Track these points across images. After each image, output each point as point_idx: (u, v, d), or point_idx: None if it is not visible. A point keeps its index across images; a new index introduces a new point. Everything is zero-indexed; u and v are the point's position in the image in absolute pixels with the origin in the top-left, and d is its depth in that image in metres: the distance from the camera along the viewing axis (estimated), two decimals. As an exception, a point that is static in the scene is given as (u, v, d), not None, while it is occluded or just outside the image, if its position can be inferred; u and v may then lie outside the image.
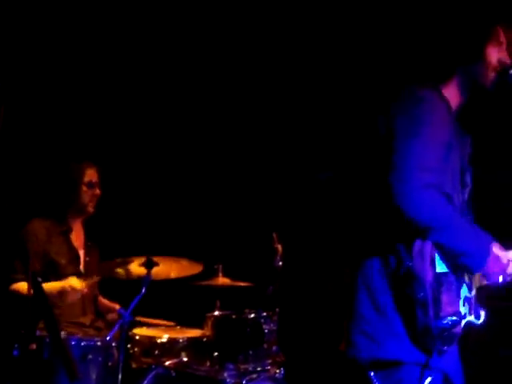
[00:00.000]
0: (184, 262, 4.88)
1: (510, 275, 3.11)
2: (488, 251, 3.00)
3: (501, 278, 3.08)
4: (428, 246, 2.91)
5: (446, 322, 2.91)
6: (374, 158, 3.06)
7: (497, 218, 4.89)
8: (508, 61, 3.14)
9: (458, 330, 2.98)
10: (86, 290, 4.71)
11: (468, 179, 3.21)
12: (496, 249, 3.03)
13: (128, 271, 4.78)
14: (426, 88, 3.08)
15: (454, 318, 2.94)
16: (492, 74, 3.12)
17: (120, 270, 4.80)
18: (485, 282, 3.15)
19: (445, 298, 2.93)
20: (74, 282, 4.67)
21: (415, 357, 2.94)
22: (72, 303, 4.82)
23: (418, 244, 2.91)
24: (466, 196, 3.22)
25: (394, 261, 2.95)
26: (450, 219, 2.92)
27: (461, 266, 2.99)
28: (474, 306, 3.09)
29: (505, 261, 3.04)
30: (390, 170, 2.88)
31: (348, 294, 3.08)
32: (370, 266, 3.02)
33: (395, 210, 2.87)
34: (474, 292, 3.09)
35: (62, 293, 4.62)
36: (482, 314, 3.11)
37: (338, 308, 3.17)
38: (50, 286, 4.61)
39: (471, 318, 3.06)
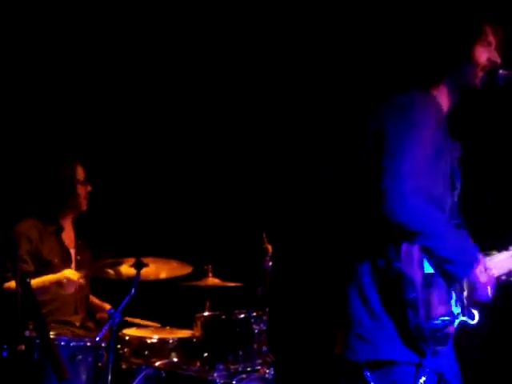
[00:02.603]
0: (174, 264, 4.88)
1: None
2: (472, 262, 3.00)
3: (489, 290, 3.08)
4: (415, 248, 2.91)
5: (437, 322, 2.91)
6: (364, 162, 3.05)
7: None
8: (498, 60, 3.14)
9: (450, 330, 2.98)
10: (82, 281, 4.72)
11: (458, 183, 3.21)
12: (483, 260, 3.04)
13: (118, 272, 4.78)
14: (417, 91, 3.08)
15: (447, 318, 2.94)
16: (481, 74, 3.12)
17: (110, 270, 4.79)
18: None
19: (436, 298, 2.93)
20: (69, 273, 4.68)
21: (409, 357, 2.93)
22: (65, 301, 4.83)
23: (405, 246, 2.91)
24: (456, 199, 3.22)
25: (382, 263, 2.95)
26: (438, 226, 2.93)
27: (446, 272, 2.98)
28: (467, 306, 3.08)
29: (491, 272, 3.06)
30: (382, 175, 2.88)
31: (340, 298, 3.07)
32: (359, 270, 3.01)
33: (384, 214, 2.87)
34: (466, 292, 3.09)
35: (59, 284, 4.63)
36: (476, 314, 3.10)
37: (327, 309, 3.17)
38: (45, 279, 4.62)
39: (465, 318, 3.06)
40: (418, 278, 2.90)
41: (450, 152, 3.12)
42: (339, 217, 3.24)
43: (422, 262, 2.93)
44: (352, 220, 3.13)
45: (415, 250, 2.91)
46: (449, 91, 3.16)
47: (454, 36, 3.12)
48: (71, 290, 4.69)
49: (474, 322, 3.08)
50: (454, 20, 3.16)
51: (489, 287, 3.08)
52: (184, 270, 4.92)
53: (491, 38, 3.13)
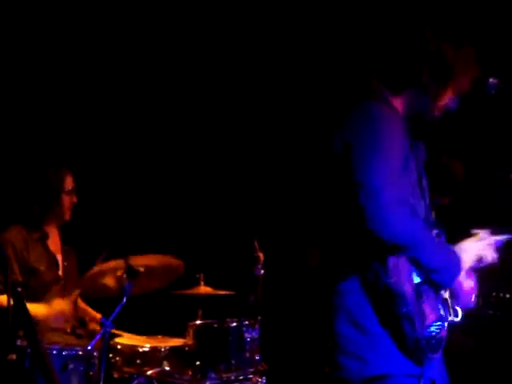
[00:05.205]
0: (165, 260, 4.82)
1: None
2: (457, 270, 3.01)
3: (473, 297, 3.10)
4: (403, 260, 2.89)
5: (431, 329, 2.91)
6: (336, 177, 3.00)
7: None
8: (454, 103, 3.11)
9: (443, 334, 2.97)
10: (71, 311, 4.72)
11: (425, 184, 3.16)
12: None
13: (108, 285, 4.73)
14: (374, 101, 3.03)
15: (439, 323, 2.94)
16: (437, 112, 3.11)
17: (101, 282, 4.74)
18: None
19: (427, 307, 2.92)
20: (59, 305, 4.67)
21: (405, 369, 2.91)
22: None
23: (392, 259, 2.87)
24: (428, 200, 3.19)
25: (371, 279, 2.91)
26: (420, 237, 2.91)
27: (433, 282, 2.97)
28: (451, 304, 3.07)
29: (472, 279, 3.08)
30: (356, 191, 2.84)
31: (324, 316, 3.03)
32: (346, 287, 2.97)
33: (367, 230, 2.83)
34: (448, 292, 3.07)
35: (48, 318, 4.63)
36: (459, 310, 3.08)
37: (316, 320, 3.14)
38: (36, 311, 4.60)
39: (451, 317, 3.05)
40: (409, 291, 2.88)
41: (415, 156, 3.09)
42: (317, 233, 3.20)
43: (411, 273, 2.91)
44: (330, 236, 3.08)
45: (402, 263, 2.88)
46: (403, 106, 3.09)
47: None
48: (60, 322, 4.70)
49: (459, 319, 3.08)
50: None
51: (473, 295, 3.10)
52: (175, 266, 4.87)
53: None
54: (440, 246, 3.02)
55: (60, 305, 4.70)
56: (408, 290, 2.88)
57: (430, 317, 2.92)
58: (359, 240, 2.91)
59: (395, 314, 2.88)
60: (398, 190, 2.84)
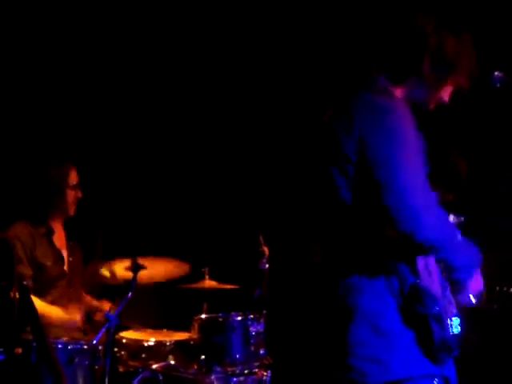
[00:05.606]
0: (170, 265, 4.87)
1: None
2: (478, 266, 2.97)
3: (472, 299, 3.05)
4: (432, 260, 2.85)
5: (454, 327, 2.87)
6: (348, 175, 2.90)
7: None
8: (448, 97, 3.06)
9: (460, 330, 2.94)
10: (82, 319, 4.79)
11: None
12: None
13: (114, 275, 4.77)
14: (379, 93, 2.95)
15: (457, 317, 2.91)
16: (432, 105, 3.06)
17: (106, 273, 4.78)
18: None
19: (449, 304, 2.91)
20: (74, 313, 4.72)
21: (423, 370, 2.85)
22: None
23: (421, 260, 2.82)
24: None
25: (396, 281, 2.83)
26: (454, 237, 2.87)
27: (453, 281, 2.94)
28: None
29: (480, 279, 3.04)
30: (382, 191, 2.74)
31: (335, 317, 2.96)
32: (363, 291, 2.87)
33: (395, 232, 2.76)
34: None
35: (63, 322, 4.67)
36: None
37: (323, 313, 3.10)
38: (52, 313, 4.63)
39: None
40: (438, 291, 2.85)
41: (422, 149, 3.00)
42: (322, 232, 3.13)
43: (439, 273, 2.88)
44: (341, 235, 2.98)
45: (432, 262, 2.85)
46: (403, 95, 3.03)
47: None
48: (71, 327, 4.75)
49: None
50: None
51: (477, 292, 3.03)
52: (181, 269, 4.91)
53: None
54: (465, 245, 2.93)
55: (75, 313, 4.74)
56: (438, 289, 2.85)
57: (451, 314, 2.89)
58: (377, 240, 2.85)
59: (424, 315, 2.81)
60: (426, 189, 2.80)
